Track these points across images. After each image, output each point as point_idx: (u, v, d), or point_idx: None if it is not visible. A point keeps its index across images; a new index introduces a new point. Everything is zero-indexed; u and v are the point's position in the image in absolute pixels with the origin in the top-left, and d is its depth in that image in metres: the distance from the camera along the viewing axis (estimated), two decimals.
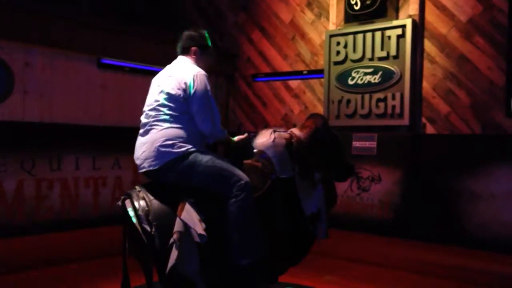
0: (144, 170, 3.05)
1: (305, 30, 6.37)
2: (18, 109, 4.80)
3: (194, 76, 3.05)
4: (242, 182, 2.95)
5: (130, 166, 5.49)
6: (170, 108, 3.04)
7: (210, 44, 3.30)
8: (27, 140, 4.81)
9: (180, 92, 3.03)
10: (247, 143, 3.34)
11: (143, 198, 2.90)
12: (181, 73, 3.08)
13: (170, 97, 3.05)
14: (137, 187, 3.01)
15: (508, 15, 4.80)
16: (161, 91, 3.09)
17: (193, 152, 2.99)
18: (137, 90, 5.65)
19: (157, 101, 3.09)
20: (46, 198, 4.91)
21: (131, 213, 2.85)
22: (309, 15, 6.33)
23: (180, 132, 3.00)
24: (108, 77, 5.56)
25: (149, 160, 3.00)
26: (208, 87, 3.08)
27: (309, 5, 6.31)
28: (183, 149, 2.98)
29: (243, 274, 2.95)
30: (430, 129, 5.34)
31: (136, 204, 2.87)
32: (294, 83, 6.51)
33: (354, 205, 5.70)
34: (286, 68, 6.58)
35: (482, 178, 4.90)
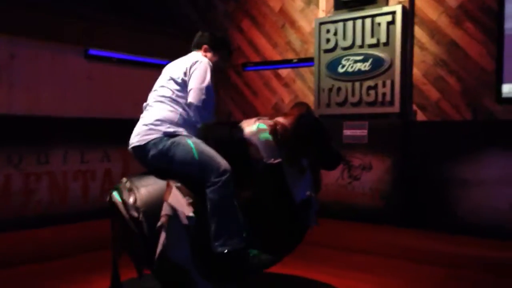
0: (132, 145, 3.14)
1: (295, 18, 6.31)
2: (4, 102, 4.73)
3: (198, 62, 3.16)
4: (221, 169, 2.95)
5: (120, 159, 5.44)
6: (169, 91, 3.16)
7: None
8: (13, 133, 4.74)
9: (181, 75, 3.15)
10: (229, 133, 3.31)
11: (130, 188, 2.89)
12: (188, 61, 3.21)
13: (171, 79, 3.18)
14: (124, 179, 3.01)
15: (498, 0, 4.77)
16: (166, 76, 3.25)
17: (178, 134, 3.06)
18: (125, 81, 5.58)
19: (161, 85, 3.23)
20: (34, 193, 4.85)
21: (119, 203, 2.83)
22: (298, 3, 6.26)
23: (172, 115, 3.11)
24: (95, 68, 5.48)
25: (138, 135, 3.11)
26: (208, 70, 3.15)
27: None
28: (170, 129, 3.06)
29: (225, 262, 2.92)
30: (421, 116, 5.32)
31: (123, 194, 2.85)
32: (284, 72, 6.46)
33: (346, 194, 5.69)
34: (276, 56, 6.52)
35: (472, 164, 4.90)
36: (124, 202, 2.84)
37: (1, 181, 4.61)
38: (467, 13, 5.00)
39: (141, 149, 3.10)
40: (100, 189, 5.37)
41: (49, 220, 4.90)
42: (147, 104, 3.26)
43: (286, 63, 6.41)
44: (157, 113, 3.11)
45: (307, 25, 6.20)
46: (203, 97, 3.07)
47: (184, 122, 3.12)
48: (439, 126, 5.21)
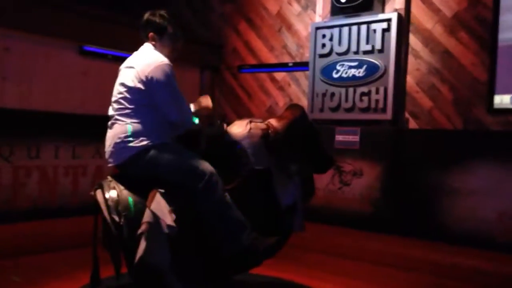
0: (110, 164, 3.05)
1: (292, 21, 6.33)
2: None
3: (155, 67, 2.93)
4: (207, 175, 2.90)
5: None
6: (130, 101, 2.96)
7: (167, 27, 3.13)
8: (5, 127, 4.73)
9: (139, 85, 2.93)
10: (221, 134, 3.29)
11: (114, 188, 2.87)
12: (143, 65, 2.97)
13: (130, 89, 2.96)
14: (109, 177, 2.99)
15: (493, 11, 4.80)
16: (122, 83, 3.02)
17: (155, 145, 2.94)
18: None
19: (119, 93, 3.02)
20: (24, 186, 4.85)
21: (101, 203, 2.82)
22: (295, 7, 6.29)
23: (140, 127, 2.93)
24: (90, 64, 5.48)
25: (113, 155, 3.00)
26: (171, 77, 2.96)
27: None
28: (143, 143, 2.92)
29: (231, 263, 2.93)
30: (413, 124, 5.34)
31: (106, 194, 2.84)
32: (279, 75, 6.47)
33: (336, 199, 5.70)
34: (272, 60, 6.54)
35: (462, 173, 4.91)
36: (107, 203, 2.82)
37: None
38: (461, 23, 5.03)
39: (120, 166, 3.02)
40: (91, 185, 5.35)
41: (38, 214, 4.89)
42: (112, 117, 3.04)
43: (281, 66, 6.43)
44: (125, 129, 2.94)
45: (303, 29, 6.22)
46: (178, 106, 2.96)
47: (156, 130, 2.97)
48: (430, 134, 5.23)
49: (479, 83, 4.92)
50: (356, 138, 5.55)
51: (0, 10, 4.63)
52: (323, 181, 5.68)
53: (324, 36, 5.84)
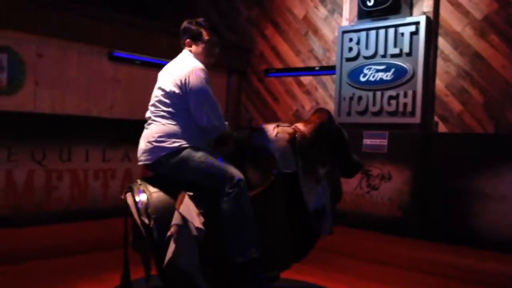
0: (140, 163, 3.15)
1: (318, 26, 6.32)
2: (29, 100, 4.85)
3: (189, 72, 3.05)
4: (235, 180, 2.95)
5: None
6: (166, 105, 3.09)
7: (202, 33, 3.23)
8: (37, 131, 4.85)
9: (175, 89, 3.06)
10: (249, 138, 3.32)
11: (144, 191, 2.92)
12: (178, 70, 3.10)
13: (166, 94, 3.09)
14: (139, 181, 3.06)
15: None
16: (159, 88, 3.16)
17: (186, 148, 3.03)
18: (147, 83, 5.61)
19: (156, 97, 3.16)
20: (56, 189, 4.95)
21: (132, 206, 2.87)
22: (322, 11, 6.28)
23: (175, 129, 3.05)
24: (119, 70, 5.59)
25: (145, 154, 3.10)
26: (204, 82, 3.06)
27: (322, 0, 6.26)
28: (176, 144, 3.02)
29: (238, 271, 2.94)
30: (442, 128, 5.27)
31: (136, 197, 2.90)
32: (306, 79, 6.47)
33: (364, 203, 5.66)
34: (298, 64, 6.54)
35: (493, 178, 4.82)
36: (137, 206, 2.87)
37: (24, 177, 4.72)
38: (492, 25, 4.95)
39: (151, 166, 3.12)
40: (120, 188, 5.44)
41: (69, 217, 4.99)
42: (149, 118, 3.19)
43: (308, 70, 6.43)
44: (159, 129, 3.06)
45: (330, 33, 6.20)
46: (209, 111, 3.04)
47: (190, 133, 3.07)
48: (460, 138, 5.15)
49: (510, 85, 4.83)
50: (384, 142, 5.50)
51: (33, 17, 4.76)
52: (351, 185, 5.64)
53: (351, 39, 5.82)
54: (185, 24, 3.30)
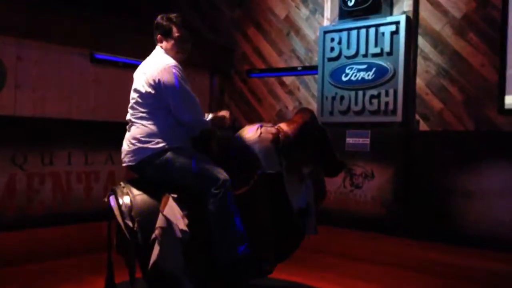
0: (125, 164, 3.14)
1: (300, 26, 6.35)
2: (10, 104, 4.78)
3: (161, 71, 3.03)
4: (221, 181, 2.95)
5: None
6: (144, 106, 3.07)
7: (172, 28, 3.18)
8: (18, 134, 4.79)
9: (150, 89, 3.04)
10: (232, 138, 3.33)
11: (127, 194, 2.91)
12: (151, 69, 3.08)
13: (142, 95, 3.07)
14: (122, 183, 3.05)
15: (502, 11, 4.79)
16: (134, 89, 3.15)
17: (170, 148, 3.01)
18: (130, 85, 5.61)
19: (133, 99, 3.15)
20: (38, 193, 4.90)
21: (115, 209, 2.86)
22: (304, 11, 6.31)
23: (157, 129, 3.03)
24: (101, 71, 5.54)
25: (129, 155, 3.09)
26: (179, 78, 3.03)
27: (304, 1, 6.29)
28: (160, 145, 3.01)
29: (226, 271, 2.94)
30: (423, 126, 5.33)
31: (120, 200, 2.88)
32: (288, 79, 6.50)
33: (347, 202, 5.70)
34: (281, 64, 6.56)
35: (475, 175, 4.89)
36: (120, 209, 2.86)
37: (5, 181, 4.66)
38: (471, 24, 5.02)
39: (135, 167, 3.10)
40: (103, 191, 5.40)
41: (51, 220, 4.93)
42: (130, 120, 3.17)
43: (290, 70, 6.45)
44: (142, 131, 3.04)
45: (312, 33, 6.23)
46: (190, 106, 3.04)
47: (172, 133, 3.06)
48: (441, 136, 5.21)
49: (489, 83, 4.91)
50: (366, 140, 5.55)
51: (11, 19, 4.70)
52: (334, 183, 5.68)
53: (332, 39, 5.85)
54: (157, 19, 3.26)
